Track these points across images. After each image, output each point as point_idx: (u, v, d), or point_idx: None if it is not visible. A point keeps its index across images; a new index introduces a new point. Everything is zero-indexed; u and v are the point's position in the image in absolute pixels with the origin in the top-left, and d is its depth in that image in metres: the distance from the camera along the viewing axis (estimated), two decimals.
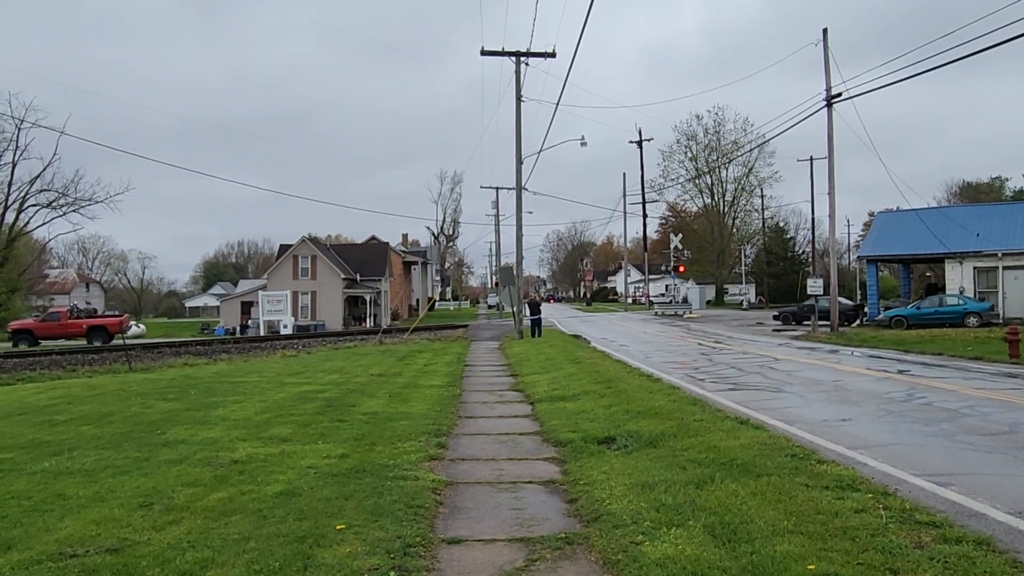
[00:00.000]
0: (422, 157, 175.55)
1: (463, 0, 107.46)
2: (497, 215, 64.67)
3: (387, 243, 65.14)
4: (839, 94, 27.25)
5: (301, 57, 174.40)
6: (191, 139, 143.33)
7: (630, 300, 79.11)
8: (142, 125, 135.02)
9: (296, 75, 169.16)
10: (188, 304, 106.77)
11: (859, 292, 49.65)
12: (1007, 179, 70.45)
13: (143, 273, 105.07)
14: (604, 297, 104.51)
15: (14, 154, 47.97)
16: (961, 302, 30.63)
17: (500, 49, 28.65)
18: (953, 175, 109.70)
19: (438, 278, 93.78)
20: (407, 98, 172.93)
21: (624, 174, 69.06)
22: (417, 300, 74.96)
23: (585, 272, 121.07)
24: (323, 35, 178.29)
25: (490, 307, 79.91)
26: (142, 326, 53.47)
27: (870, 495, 5.71)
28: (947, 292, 32.48)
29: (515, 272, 32.37)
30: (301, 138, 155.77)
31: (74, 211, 51.13)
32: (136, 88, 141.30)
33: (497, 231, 66.36)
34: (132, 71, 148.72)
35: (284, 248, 54.59)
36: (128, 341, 33.69)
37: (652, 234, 79.30)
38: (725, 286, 77.22)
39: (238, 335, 45.65)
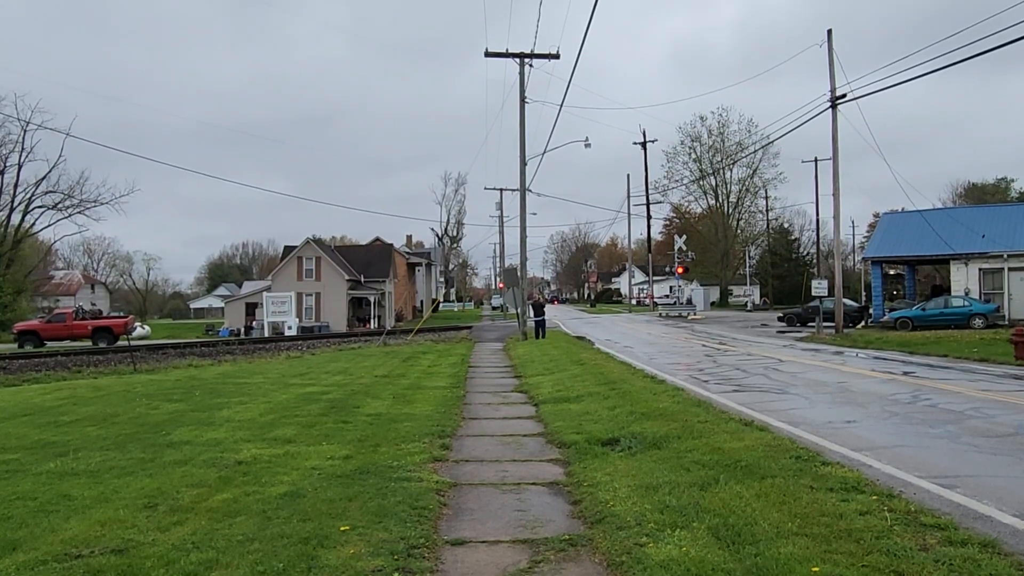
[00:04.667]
0: (440, 160, 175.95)
1: (490, 7, 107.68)
2: (501, 217, 64.72)
3: (391, 244, 65.15)
4: (843, 95, 27.22)
5: (325, 61, 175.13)
6: (211, 141, 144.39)
7: (634, 301, 79.11)
8: (164, 127, 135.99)
9: (320, 79, 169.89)
10: (193, 305, 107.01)
11: (863, 293, 49.54)
12: (1012, 180, 70.28)
13: (148, 274, 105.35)
14: (608, 298, 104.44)
15: (20, 156, 48.35)
16: (966, 303, 30.53)
17: (504, 51, 28.71)
18: (960, 176, 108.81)
19: (442, 279, 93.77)
20: (430, 101, 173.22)
21: (628, 175, 69.06)
22: (421, 301, 75.01)
23: (589, 273, 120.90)
24: (348, 40, 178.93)
25: (494, 308, 79.92)
26: (147, 327, 53.59)
27: (875, 497, 5.70)
28: (952, 293, 32.38)
29: (519, 274, 32.39)
30: (321, 140, 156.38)
31: (79, 213, 51.47)
32: (159, 91, 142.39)
33: (501, 232, 66.44)
34: (156, 74, 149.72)
35: (288, 249, 54.68)
36: (133, 342, 33.76)
37: (656, 235, 79.35)
38: (729, 287, 77.13)
39: (243, 336, 45.71)
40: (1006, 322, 29.20)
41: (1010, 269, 31.35)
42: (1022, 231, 32.42)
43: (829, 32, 27.90)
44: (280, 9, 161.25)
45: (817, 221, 60.68)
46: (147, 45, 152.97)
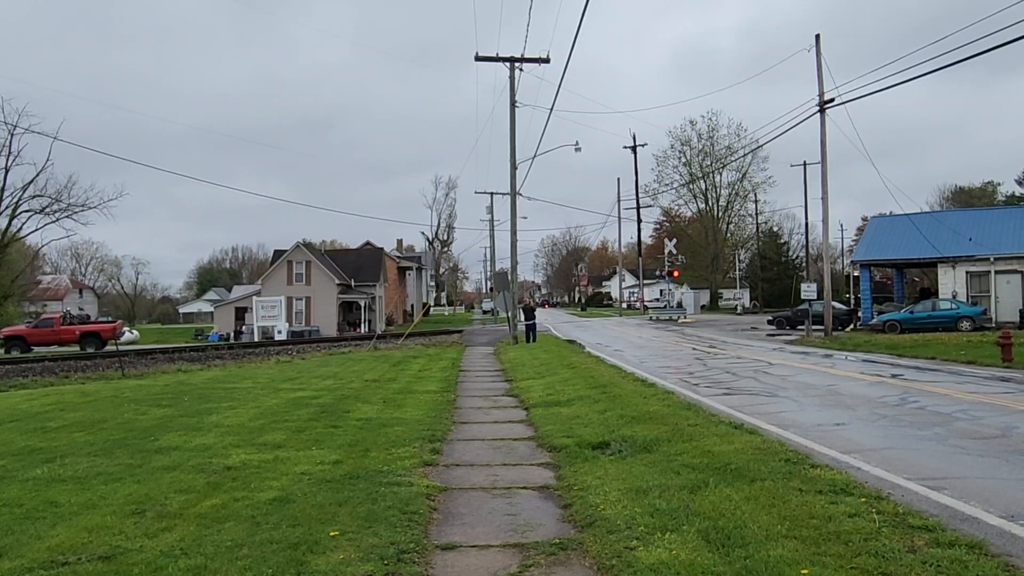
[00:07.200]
0: (437, 164, 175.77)
1: (486, 12, 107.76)
2: (491, 220, 64.67)
3: (381, 248, 65.06)
4: (832, 99, 27.43)
5: (326, 66, 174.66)
6: (210, 145, 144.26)
7: (625, 305, 79.18)
8: (162, 132, 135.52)
9: (320, 83, 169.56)
10: (182, 310, 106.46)
11: (851, 296, 49.78)
12: (999, 184, 70.94)
13: (136, 279, 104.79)
14: (599, 302, 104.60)
15: (7, 160, 47.90)
16: (954, 306, 30.76)
17: (495, 55, 28.78)
18: (951, 180, 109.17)
19: (433, 283, 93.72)
20: (429, 106, 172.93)
21: (618, 179, 69.03)
22: (412, 305, 74.91)
23: (580, 277, 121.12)
24: (350, 44, 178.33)
25: (485, 312, 79.93)
26: (136, 332, 53.24)
27: (863, 499, 5.73)
28: (940, 296, 32.62)
29: (510, 277, 32.39)
30: (318, 144, 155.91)
31: (67, 217, 51.09)
32: (159, 95, 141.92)
33: (492, 236, 66.43)
34: (157, 78, 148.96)
35: (278, 253, 54.48)
36: (121, 347, 33.53)
37: (647, 239, 79.74)
38: (720, 291, 77.38)
39: (232, 341, 45.51)
40: (993, 325, 29.44)
41: (997, 272, 31.62)
42: (1008, 234, 32.71)
43: (817, 37, 28.11)
44: (282, 16, 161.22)
45: (806, 224, 61.01)
46: (148, 49, 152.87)
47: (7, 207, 49.55)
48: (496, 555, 4.99)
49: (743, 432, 8.56)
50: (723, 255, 76.11)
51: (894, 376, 15.43)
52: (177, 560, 4.71)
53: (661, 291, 69.05)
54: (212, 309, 65.00)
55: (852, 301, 41.99)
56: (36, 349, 38.75)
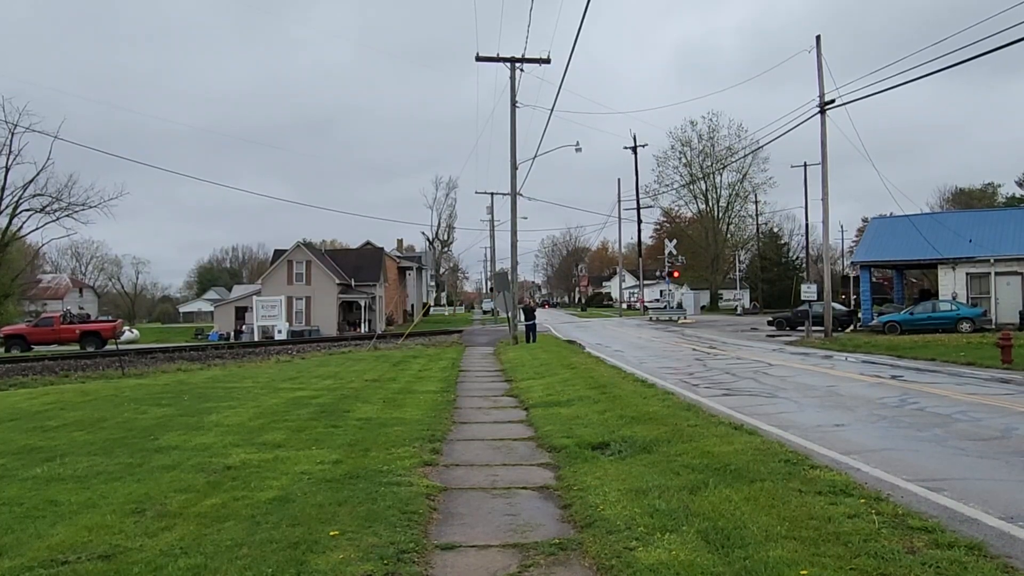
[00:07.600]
0: (439, 165, 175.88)
1: (488, 13, 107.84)
2: (492, 221, 64.68)
3: (382, 248, 65.05)
4: (832, 101, 27.43)
5: (329, 66, 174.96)
6: (213, 145, 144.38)
7: (625, 305, 79.19)
8: (166, 132, 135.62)
9: (323, 84, 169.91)
10: (182, 309, 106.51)
11: (851, 297, 49.82)
12: (1000, 185, 71.02)
13: (137, 278, 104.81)
14: (599, 302, 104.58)
15: (7, 159, 47.91)
16: (954, 308, 30.76)
17: (495, 55, 28.79)
18: (954, 181, 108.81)
19: (433, 283, 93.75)
20: (432, 107, 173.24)
21: (619, 180, 68.99)
22: (412, 305, 74.90)
23: (580, 277, 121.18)
24: (353, 45, 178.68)
25: (485, 312, 80.00)
26: (136, 331, 53.24)
27: (863, 500, 5.73)
28: (940, 298, 32.62)
29: (510, 278, 32.39)
30: (320, 145, 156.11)
31: (67, 216, 51.11)
32: (163, 95, 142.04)
33: (492, 236, 66.43)
34: (161, 79, 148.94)
35: (279, 253, 54.48)
36: (122, 346, 33.52)
37: (647, 240, 79.74)
38: (720, 291, 77.40)
39: (232, 340, 45.52)
40: (993, 326, 29.44)
41: (997, 274, 31.62)
42: (1009, 236, 32.72)
43: (817, 38, 28.11)
44: (284, 17, 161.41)
45: (806, 225, 60.97)
46: (149, 49, 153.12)
47: (7, 206, 49.60)
48: (496, 555, 5.00)
49: (743, 433, 8.56)
50: (723, 256, 76.12)
51: (894, 377, 15.43)
52: (177, 559, 4.72)
53: (661, 292, 69.02)
54: (212, 308, 64.97)
55: (852, 302, 42.01)
56: (36, 348, 38.78)
